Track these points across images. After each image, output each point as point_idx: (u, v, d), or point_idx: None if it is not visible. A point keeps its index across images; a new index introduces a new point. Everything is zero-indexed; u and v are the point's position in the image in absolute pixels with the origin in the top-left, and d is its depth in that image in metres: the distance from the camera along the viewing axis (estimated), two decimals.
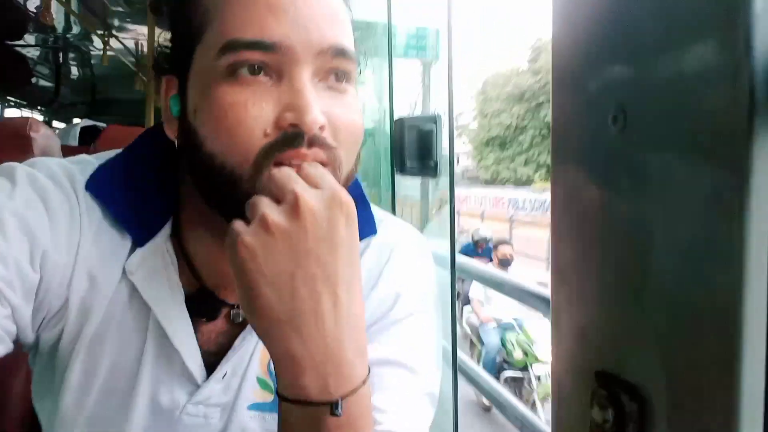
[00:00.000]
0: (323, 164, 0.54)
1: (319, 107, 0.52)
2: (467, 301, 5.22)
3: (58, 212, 0.56)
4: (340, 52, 0.55)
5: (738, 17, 0.26)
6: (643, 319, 0.32)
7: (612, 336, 0.34)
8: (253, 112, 0.52)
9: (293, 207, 0.47)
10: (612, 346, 0.34)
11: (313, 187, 0.49)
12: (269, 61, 0.52)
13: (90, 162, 0.62)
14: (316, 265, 0.47)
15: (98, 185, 0.60)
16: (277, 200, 0.49)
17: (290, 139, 0.52)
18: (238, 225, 0.49)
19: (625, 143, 0.32)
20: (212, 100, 0.53)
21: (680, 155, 0.29)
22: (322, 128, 0.53)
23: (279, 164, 0.52)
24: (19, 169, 0.57)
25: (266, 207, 0.48)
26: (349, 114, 0.56)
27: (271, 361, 0.53)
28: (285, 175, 0.50)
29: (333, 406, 0.47)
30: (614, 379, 0.33)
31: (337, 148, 0.55)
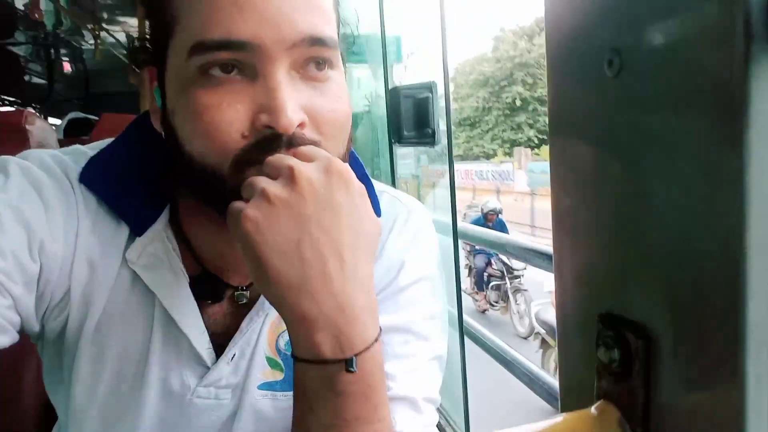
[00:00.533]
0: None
1: (298, 102, 0.51)
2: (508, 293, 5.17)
3: (53, 202, 0.56)
4: (317, 41, 0.53)
5: None
6: (645, 259, 0.32)
7: (615, 278, 0.34)
8: (227, 114, 0.51)
9: (290, 178, 0.48)
10: (615, 287, 0.34)
11: (308, 162, 0.49)
12: (241, 59, 0.51)
13: (83, 152, 0.62)
14: (319, 230, 0.48)
15: (92, 176, 0.59)
16: (274, 178, 0.49)
17: (268, 141, 0.51)
18: (238, 203, 0.49)
19: (620, 87, 0.32)
20: (186, 102, 0.52)
21: (676, 95, 0.29)
22: (301, 125, 0.52)
23: (260, 162, 0.51)
24: (12, 161, 0.57)
25: (264, 182, 0.48)
26: (332, 103, 0.55)
27: (280, 341, 0.53)
28: (278, 156, 0.50)
29: (348, 363, 0.48)
30: (619, 319, 0.33)
31: (321, 140, 0.54)
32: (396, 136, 1.17)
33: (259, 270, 0.48)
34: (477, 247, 6.49)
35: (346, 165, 0.50)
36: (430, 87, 1.14)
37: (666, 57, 0.29)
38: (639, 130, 0.31)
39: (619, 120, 0.32)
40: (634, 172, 0.32)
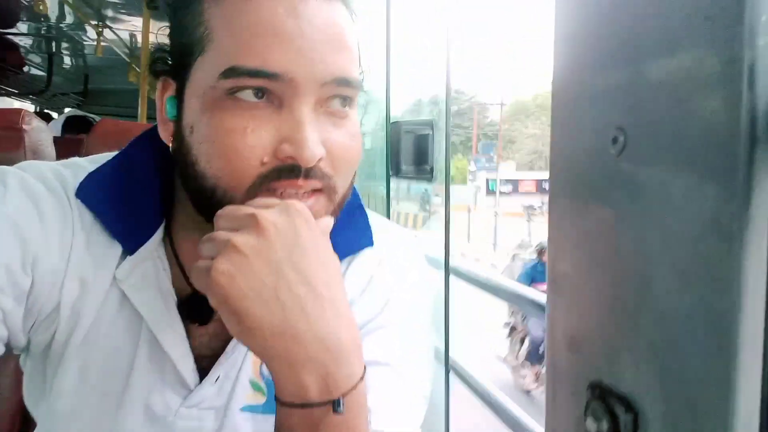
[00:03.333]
0: (318, 191, 0.54)
1: (318, 136, 0.52)
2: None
3: (49, 217, 0.56)
4: (344, 82, 0.54)
5: (739, 28, 0.26)
6: (639, 332, 0.32)
7: (607, 348, 0.34)
8: (251, 140, 0.51)
9: (254, 226, 0.48)
10: (607, 357, 0.34)
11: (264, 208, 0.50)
12: (271, 88, 0.52)
13: (82, 166, 0.62)
14: (293, 272, 0.48)
15: (88, 192, 0.59)
16: (233, 231, 0.49)
17: (287, 170, 0.52)
18: (203, 262, 0.49)
19: (624, 163, 0.32)
20: (210, 121, 0.53)
21: (679, 176, 0.30)
22: (320, 159, 0.53)
23: (272, 191, 0.53)
24: (11, 173, 0.57)
25: (228, 234, 0.49)
26: (348, 141, 0.56)
27: (264, 366, 0.53)
28: (232, 209, 0.51)
29: (335, 405, 0.48)
30: (609, 390, 0.34)
31: (333, 176, 0.55)
32: (394, 169, 1.18)
33: (239, 322, 0.47)
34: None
35: (303, 205, 0.51)
36: (430, 124, 1.15)
37: (670, 143, 0.30)
38: (640, 208, 0.32)
39: (621, 196, 0.33)
40: (632, 248, 0.33)
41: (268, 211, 0.49)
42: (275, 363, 0.48)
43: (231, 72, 0.51)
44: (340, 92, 0.55)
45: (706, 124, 0.28)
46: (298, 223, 0.49)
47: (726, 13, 0.27)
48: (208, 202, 0.54)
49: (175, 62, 0.57)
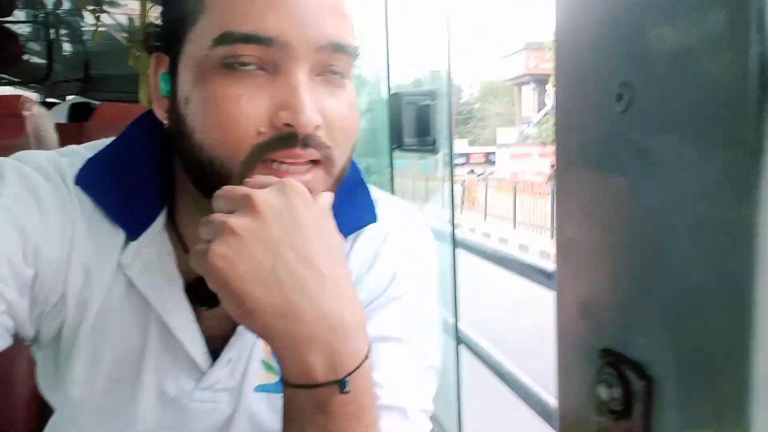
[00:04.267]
0: (316, 163, 0.53)
1: (315, 104, 0.51)
2: None
3: (49, 206, 0.56)
4: (339, 48, 0.53)
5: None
6: (650, 298, 0.31)
7: (618, 313, 0.34)
8: (246, 108, 0.51)
9: (250, 207, 0.47)
10: (618, 323, 0.34)
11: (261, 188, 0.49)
12: (265, 56, 0.51)
13: (80, 153, 0.61)
14: (291, 251, 0.47)
15: (87, 179, 0.59)
16: (230, 212, 0.49)
17: (284, 138, 0.51)
18: (201, 245, 0.48)
19: (630, 121, 0.31)
20: (204, 91, 0.52)
21: (688, 133, 0.28)
22: (317, 127, 0.52)
23: (270, 162, 0.52)
24: (7, 164, 0.57)
25: (224, 216, 0.48)
26: (345, 110, 0.55)
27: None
28: (228, 189, 0.50)
29: (341, 384, 0.47)
30: (620, 356, 0.33)
31: (332, 147, 0.54)
32: (396, 141, 1.16)
33: (239, 304, 0.47)
34: None
35: (299, 183, 0.50)
36: (432, 94, 1.13)
37: (676, 94, 0.29)
38: (649, 166, 0.31)
39: (629, 155, 0.32)
40: (642, 210, 0.31)
41: (264, 192, 0.48)
42: (278, 344, 0.48)
43: (224, 38, 0.50)
44: (335, 59, 0.54)
45: (714, 80, 0.27)
46: (294, 202, 0.48)
47: None
48: (206, 176, 0.54)
49: (167, 36, 0.56)
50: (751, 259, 0.26)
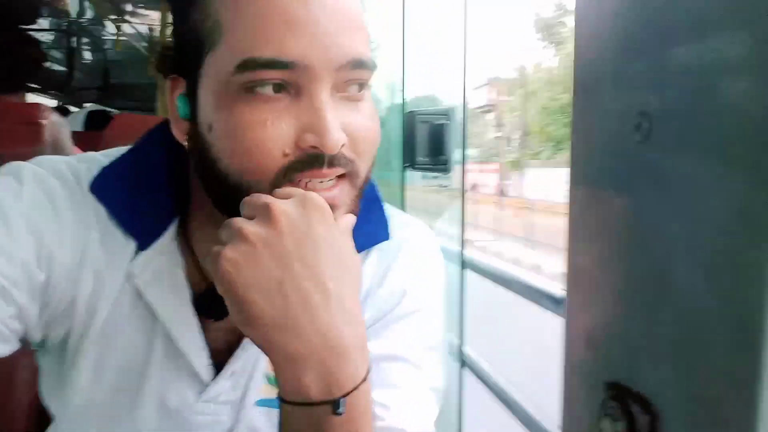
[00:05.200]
0: (341, 180, 0.54)
1: (338, 122, 0.52)
2: None
3: (65, 213, 0.56)
4: (359, 64, 0.53)
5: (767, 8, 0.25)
6: (659, 330, 0.31)
7: (625, 346, 0.33)
8: (272, 132, 0.51)
9: (267, 216, 0.48)
10: (625, 356, 0.33)
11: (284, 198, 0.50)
12: (288, 78, 0.51)
13: (98, 160, 0.62)
14: (300, 265, 0.48)
15: (102, 187, 0.59)
16: (251, 219, 0.49)
17: (311, 160, 0.51)
18: (217, 247, 0.49)
19: (647, 151, 0.31)
20: (229, 117, 0.52)
21: (706, 165, 0.28)
22: (342, 146, 0.52)
23: (297, 183, 0.52)
24: (26, 168, 0.57)
25: (241, 222, 0.49)
26: (367, 123, 0.56)
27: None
28: (254, 196, 0.50)
29: (335, 405, 0.47)
30: (626, 390, 0.32)
31: (356, 159, 0.54)
32: (409, 160, 1.16)
33: (241, 311, 0.47)
34: None
35: (321, 199, 0.50)
36: (447, 113, 1.13)
37: (696, 130, 0.29)
38: (665, 197, 0.31)
39: (644, 185, 0.32)
40: (655, 242, 0.31)
41: (284, 202, 0.49)
42: (276, 357, 0.48)
43: (246, 65, 0.50)
44: (355, 75, 0.54)
45: (734, 110, 0.27)
46: (312, 216, 0.49)
47: None
48: (233, 200, 0.53)
49: (184, 59, 0.56)
50: (763, 300, 0.26)
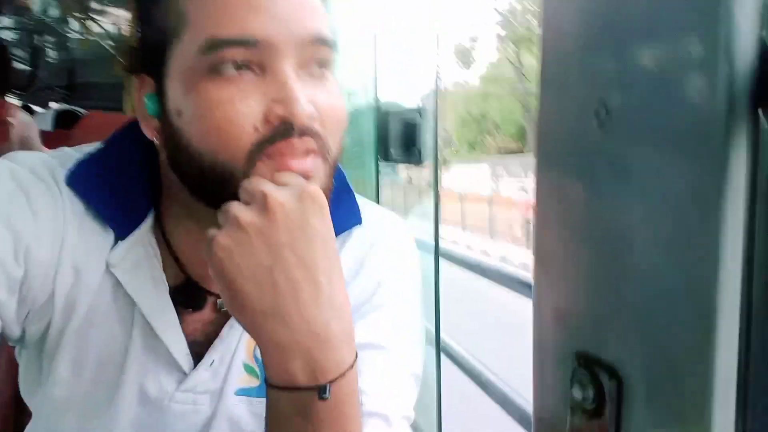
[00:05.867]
0: (313, 153, 0.54)
1: (305, 97, 0.53)
2: None
3: (41, 207, 0.56)
4: (321, 41, 0.55)
5: (718, 12, 0.27)
6: (621, 303, 0.33)
7: (591, 318, 0.35)
8: (241, 108, 0.52)
9: (263, 204, 0.49)
10: (591, 328, 0.35)
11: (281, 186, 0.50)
12: (252, 57, 0.52)
13: (70, 155, 0.62)
14: (292, 256, 0.48)
15: (78, 180, 0.59)
16: (247, 204, 0.50)
17: (282, 131, 0.52)
18: (212, 231, 0.50)
19: (606, 136, 0.33)
20: (197, 99, 0.53)
21: (660, 149, 0.31)
22: (311, 118, 0.53)
23: (270, 156, 0.53)
24: (0, 164, 0.57)
25: (236, 208, 0.49)
26: (333, 100, 0.56)
27: (257, 349, 0.53)
28: (253, 181, 0.51)
29: (320, 390, 0.48)
30: (594, 359, 0.35)
31: (325, 135, 0.55)
32: (383, 153, 1.18)
33: (231, 296, 0.48)
34: None
35: (320, 191, 0.51)
36: (419, 110, 1.15)
37: (651, 118, 0.31)
38: (623, 180, 0.33)
39: (605, 167, 0.34)
40: (616, 218, 0.33)
41: (281, 192, 0.49)
42: (263, 343, 0.49)
43: (211, 45, 0.51)
44: (318, 52, 0.55)
45: (685, 101, 0.29)
46: (308, 208, 0.50)
47: None
48: (208, 182, 0.54)
49: (150, 57, 0.57)
50: (714, 269, 0.28)
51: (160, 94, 0.57)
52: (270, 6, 0.52)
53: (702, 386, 0.29)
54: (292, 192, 0.50)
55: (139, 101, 0.59)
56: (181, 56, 0.54)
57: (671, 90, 0.30)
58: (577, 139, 0.36)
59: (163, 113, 0.57)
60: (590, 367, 0.34)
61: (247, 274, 0.47)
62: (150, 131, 0.59)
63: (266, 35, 0.52)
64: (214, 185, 0.54)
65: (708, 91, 0.28)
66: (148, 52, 0.57)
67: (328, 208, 0.52)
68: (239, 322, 0.50)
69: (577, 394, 0.34)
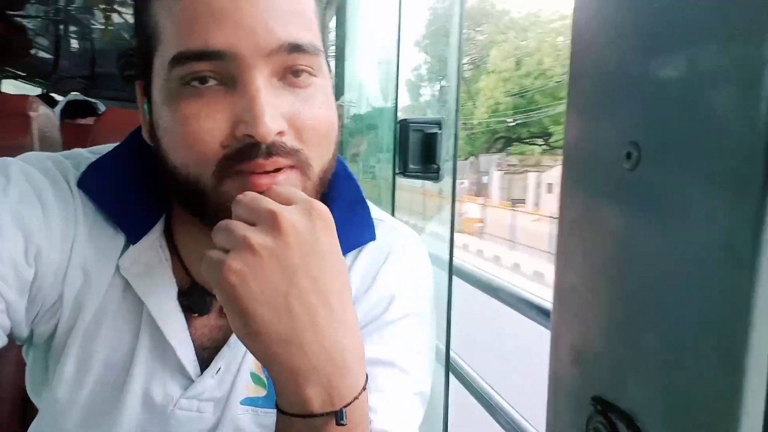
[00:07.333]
0: (287, 168, 0.53)
1: (278, 110, 0.52)
2: None
3: (52, 208, 0.57)
4: (295, 48, 0.53)
5: (763, 53, 0.26)
6: (645, 349, 0.32)
7: (611, 362, 0.34)
8: (206, 124, 0.51)
9: (273, 225, 0.47)
10: (611, 372, 0.34)
11: (285, 203, 0.49)
12: (221, 70, 0.51)
13: (84, 156, 0.62)
14: (306, 279, 0.47)
15: (90, 183, 0.60)
16: (251, 223, 0.48)
17: (246, 150, 0.51)
18: (216, 253, 0.48)
19: (637, 177, 0.32)
20: (169, 113, 0.53)
21: (694, 193, 0.29)
22: (281, 134, 0.52)
23: (239, 173, 0.52)
24: (13, 164, 0.57)
25: (245, 230, 0.47)
26: (313, 110, 0.55)
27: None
28: (252, 197, 0.49)
29: (338, 416, 0.47)
30: (611, 405, 0.34)
31: (303, 149, 0.54)
32: (401, 167, 1.17)
33: (245, 324, 0.46)
34: None
35: (325, 207, 0.50)
36: (439, 122, 1.14)
37: (685, 159, 0.30)
38: (653, 220, 0.32)
39: (633, 210, 0.33)
40: (643, 261, 0.32)
41: (290, 211, 0.48)
42: (277, 371, 0.47)
43: (177, 59, 0.51)
44: (294, 61, 0.53)
45: (722, 141, 0.28)
46: (318, 227, 0.48)
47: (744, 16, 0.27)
48: (186, 194, 0.55)
49: (140, 63, 0.58)
50: (745, 325, 0.27)
51: (149, 100, 0.57)
52: (235, 16, 0.50)
53: None
54: (300, 210, 0.49)
55: (140, 105, 0.59)
56: (159, 69, 0.54)
57: (707, 130, 0.29)
58: (605, 176, 0.35)
59: (151, 120, 0.57)
60: (607, 414, 0.33)
61: (262, 300, 0.46)
62: (147, 135, 0.59)
63: (231, 47, 0.50)
64: (192, 198, 0.54)
65: (748, 132, 0.27)
66: (140, 59, 0.58)
67: (334, 225, 0.50)
68: (251, 349, 0.48)
69: None
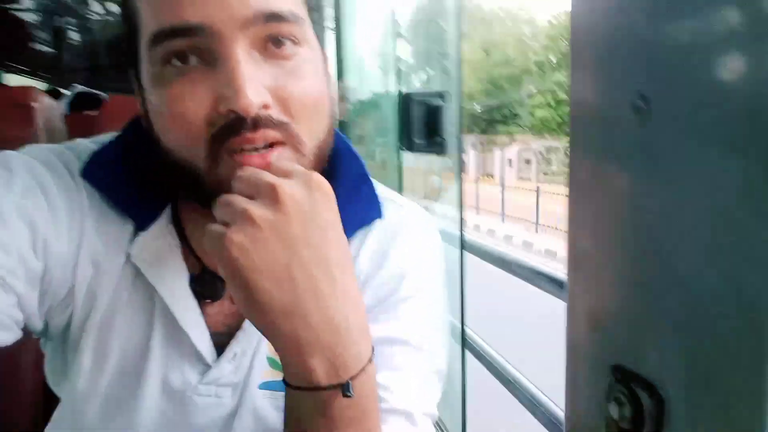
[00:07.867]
0: (278, 143, 0.52)
1: (261, 82, 0.50)
2: None
3: (57, 200, 0.56)
4: (272, 17, 0.51)
5: None
6: (664, 313, 0.31)
7: (630, 329, 0.33)
8: (190, 103, 0.50)
9: (273, 198, 0.46)
10: (630, 339, 0.33)
11: (283, 176, 0.48)
12: (197, 45, 0.50)
13: (86, 146, 0.62)
14: (307, 250, 0.47)
15: (95, 172, 0.59)
16: (251, 197, 0.47)
17: (232, 125, 0.50)
18: (217, 227, 0.47)
19: (646, 130, 0.31)
20: (155, 95, 0.52)
21: (706, 143, 0.28)
22: (266, 107, 0.51)
23: (232, 151, 0.51)
24: (16, 157, 0.57)
25: (246, 203, 0.47)
26: (299, 82, 0.53)
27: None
28: (252, 172, 0.48)
29: (344, 388, 0.47)
30: (632, 374, 0.32)
31: (290, 122, 0.52)
32: (406, 143, 1.15)
33: (248, 297, 0.46)
34: None
35: (324, 179, 0.49)
36: (442, 95, 1.11)
37: (697, 112, 0.28)
38: (665, 180, 0.30)
39: (645, 168, 0.31)
40: (657, 219, 0.31)
41: (289, 183, 0.47)
42: (281, 343, 0.47)
43: (155, 39, 0.50)
44: (272, 30, 0.51)
45: (735, 91, 0.26)
46: (317, 198, 0.48)
47: None
48: (182, 178, 0.54)
49: (128, 50, 0.57)
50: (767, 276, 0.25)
51: (140, 88, 0.56)
52: None
53: (753, 409, 0.27)
54: (299, 182, 0.48)
55: (136, 93, 0.59)
56: (143, 52, 0.53)
57: (718, 77, 0.27)
58: (614, 134, 0.33)
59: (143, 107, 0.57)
60: (628, 383, 0.32)
61: (265, 272, 0.45)
62: (145, 122, 0.59)
63: (204, 19, 0.49)
64: (187, 180, 0.53)
65: (760, 77, 0.25)
66: (127, 46, 0.57)
67: (334, 196, 0.49)
68: (254, 322, 0.48)
69: (614, 411, 0.32)
